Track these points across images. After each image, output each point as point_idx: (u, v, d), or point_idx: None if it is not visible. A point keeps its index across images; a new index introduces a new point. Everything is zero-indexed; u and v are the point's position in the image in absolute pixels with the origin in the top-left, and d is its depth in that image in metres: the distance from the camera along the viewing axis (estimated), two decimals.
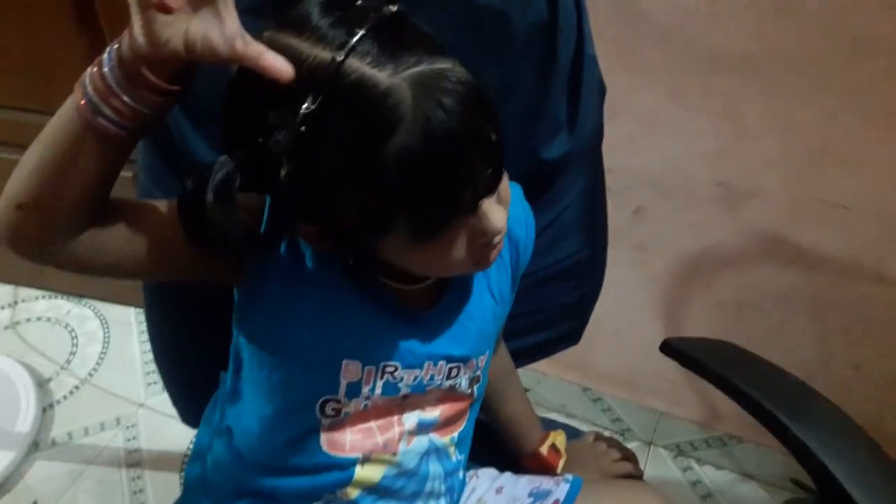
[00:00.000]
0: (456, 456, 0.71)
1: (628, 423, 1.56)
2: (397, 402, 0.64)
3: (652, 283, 1.33)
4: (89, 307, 1.79)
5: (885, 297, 1.14)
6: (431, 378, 0.64)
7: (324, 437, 0.63)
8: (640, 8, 1.02)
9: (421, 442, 0.67)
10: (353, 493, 0.65)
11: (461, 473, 0.73)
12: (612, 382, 1.53)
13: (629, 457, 0.89)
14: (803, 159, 1.06)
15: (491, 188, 0.52)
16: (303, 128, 0.46)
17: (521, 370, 1.58)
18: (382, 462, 0.65)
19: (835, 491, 0.67)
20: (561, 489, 0.74)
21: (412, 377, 0.63)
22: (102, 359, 1.67)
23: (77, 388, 1.61)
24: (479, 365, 0.69)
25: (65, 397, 1.59)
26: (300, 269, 0.59)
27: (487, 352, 0.69)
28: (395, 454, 0.65)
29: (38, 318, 1.76)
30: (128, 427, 1.53)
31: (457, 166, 0.48)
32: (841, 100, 0.98)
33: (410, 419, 0.66)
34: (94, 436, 1.52)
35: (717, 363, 0.77)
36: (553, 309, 0.88)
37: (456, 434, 0.70)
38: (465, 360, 0.66)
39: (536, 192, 0.78)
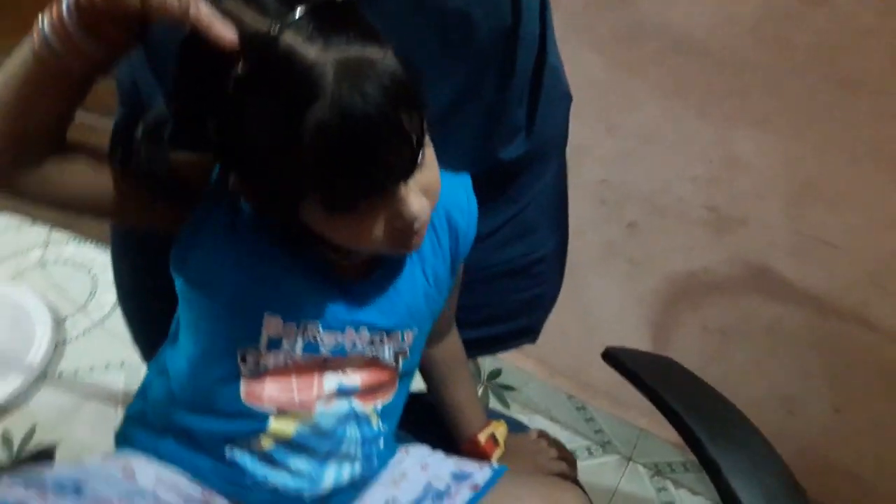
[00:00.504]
0: (379, 426, 0.74)
1: (609, 435, 1.56)
2: (318, 363, 0.68)
3: (642, 299, 1.33)
4: None
5: (867, 342, 1.13)
6: (354, 344, 0.67)
7: (244, 386, 0.66)
8: (643, 27, 1.03)
9: (341, 406, 0.70)
10: (267, 443, 0.68)
11: (381, 442, 0.75)
12: (597, 393, 1.54)
13: (567, 458, 0.90)
14: (791, 192, 1.06)
15: (405, 174, 0.54)
16: (232, 89, 0.50)
17: (508, 369, 1.61)
18: (297, 418, 0.68)
19: None
20: (483, 473, 0.76)
21: (333, 340, 0.66)
22: (118, 305, 1.75)
23: (90, 329, 1.71)
24: (406, 340, 0.71)
25: (77, 336, 1.69)
26: (237, 223, 0.63)
27: (415, 329, 0.71)
28: (310, 413, 0.68)
29: (66, 261, 1.87)
30: (131, 371, 1.61)
31: (368, 149, 0.50)
32: (830, 136, 0.98)
33: (330, 382, 0.69)
34: (97, 375, 1.61)
35: (652, 377, 0.78)
36: (507, 304, 0.90)
37: (380, 404, 0.73)
38: (388, 332, 0.69)
39: (496, 190, 0.81)
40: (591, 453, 1.57)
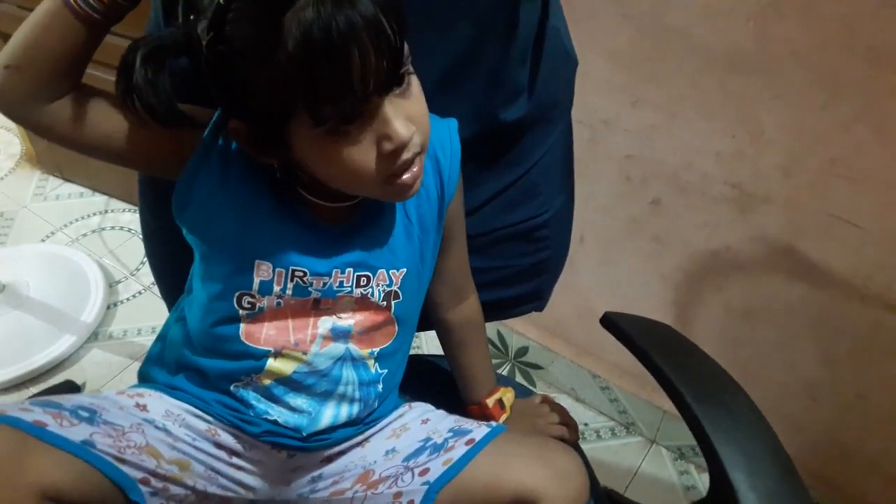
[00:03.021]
0: (376, 368, 0.77)
1: (634, 416, 1.57)
2: (311, 305, 0.71)
3: (666, 277, 1.33)
4: None
5: (892, 326, 1.10)
6: (341, 284, 0.71)
7: (243, 328, 0.71)
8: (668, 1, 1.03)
9: (337, 348, 0.73)
10: (266, 380, 0.72)
11: (380, 386, 0.78)
12: (622, 374, 1.54)
13: (568, 423, 0.91)
14: (816, 170, 1.04)
15: (386, 84, 0.57)
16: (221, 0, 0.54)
17: (535, 348, 1.62)
18: (294, 358, 0.72)
19: (724, 486, 0.68)
20: (480, 430, 0.78)
21: (321, 282, 0.70)
22: None
23: (140, 293, 1.80)
24: (393, 279, 0.74)
25: (128, 299, 1.78)
26: (229, 173, 0.67)
27: (404, 268, 0.74)
28: (305, 353, 0.72)
29: (122, 228, 1.98)
30: None
31: (348, 48, 0.53)
32: (856, 112, 0.96)
33: (325, 324, 0.72)
34: (145, 336, 1.70)
35: (646, 340, 0.79)
36: (512, 268, 0.92)
37: (377, 349, 0.76)
38: (372, 270, 0.72)
39: (498, 153, 0.83)
40: (614, 434, 1.57)
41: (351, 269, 0.72)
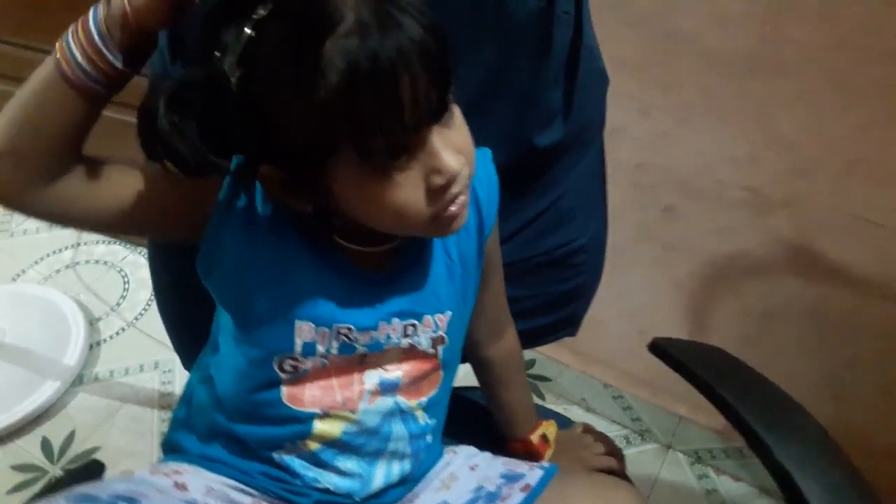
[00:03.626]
0: (425, 419, 0.73)
1: (648, 423, 1.54)
2: (356, 361, 0.66)
3: (679, 284, 1.31)
4: (144, 256, 1.88)
5: None
6: (388, 337, 0.66)
7: (285, 391, 0.66)
8: (673, 4, 1.00)
9: (385, 402, 0.69)
10: (314, 445, 0.68)
11: (429, 437, 0.74)
12: (634, 381, 1.52)
13: (614, 453, 0.88)
14: (835, 171, 1.02)
15: (438, 112, 0.52)
16: (251, 31, 0.49)
17: (542, 360, 1.59)
18: (341, 418, 0.67)
19: None
20: (534, 474, 0.74)
21: (368, 337, 0.65)
22: (150, 305, 1.76)
23: (123, 329, 1.72)
24: (440, 325, 0.69)
25: (111, 337, 1.70)
26: (256, 229, 0.61)
27: (449, 311, 0.69)
28: (354, 412, 0.67)
29: (97, 261, 1.88)
30: (164, 371, 1.62)
31: (398, 76, 0.48)
32: (875, 113, 0.95)
33: (371, 378, 0.67)
34: (133, 376, 1.62)
35: (702, 368, 0.76)
36: (548, 296, 0.88)
37: (425, 399, 0.72)
38: (418, 317, 0.67)
39: (530, 178, 0.79)
40: (629, 442, 1.55)
41: (397, 319, 0.67)
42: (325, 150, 0.51)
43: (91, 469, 0.73)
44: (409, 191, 0.53)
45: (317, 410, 0.67)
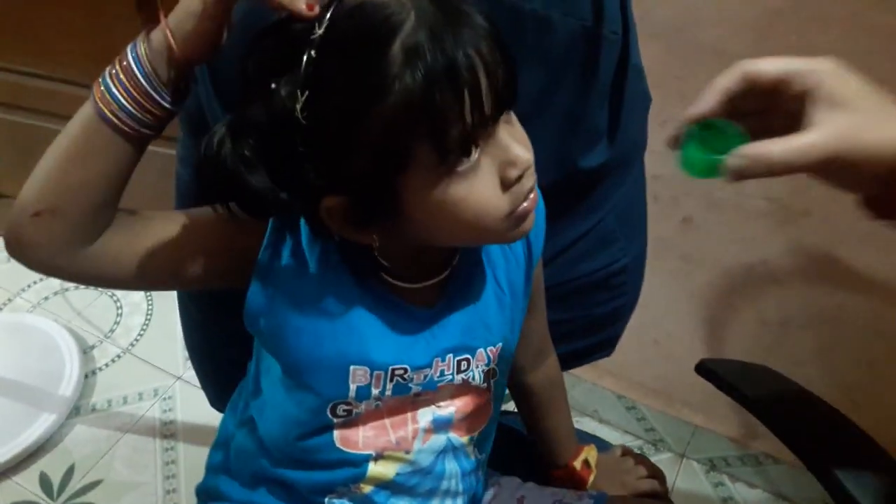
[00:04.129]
0: (475, 455, 0.71)
1: (662, 433, 1.53)
2: (409, 400, 0.64)
3: (695, 295, 1.30)
4: None
5: None
6: (441, 373, 0.63)
7: (337, 434, 0.63)
8: (695, 16, 0.99)
9: (438, 440, 0.67)
10: (367, 488, 0.65)
11: (480, 473, 0.72)
12: (648, 392, 1.51)
13: (656, 475, 0.87)
14: None
15: (509, 100, 0.50)
16: (312, 53, 0.46)
17: None
18: (396, 459, 0.65)
19: None
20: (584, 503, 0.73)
21: (422, 376, 0.62)
22: (145, 330, 1.71)
23: (119, 356, 1.66)
24: (492, 357, 0.67)
25: (107, 365, 1.64)
26: (303, 276, 0.58)
27: (499, 343, 0.67)
28: (408, 452, 0.65)
29: (87, 287, 1.81)
30: (165, 399, 1.57)
31: (474, 66, 0.46)
32: None
33: (425, 416, 0.65)
34: (132, 405, 1.56)
35: (750, 388, 0.75)
36: (588, 318, 0.86)
37: (476, 433, 0.70)
38: (471, 352, 0.65)
39: (573, 200, 0.77)
40: (643, 452, 1.53)
41: (451, 356, 0.64)
42: (400, 159, 0.48)
43: None
44: (485, 187, 0.51)
45: (371, 452, 0.64)
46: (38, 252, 0.51)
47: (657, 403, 1.50)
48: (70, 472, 1.43)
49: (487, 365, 0.67)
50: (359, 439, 0.64)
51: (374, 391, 0.61)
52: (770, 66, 0.47)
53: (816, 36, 0.94)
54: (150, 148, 0.53)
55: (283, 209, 0.51)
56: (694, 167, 0.49)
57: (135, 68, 0.49)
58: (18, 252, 0.51)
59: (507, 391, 0.77)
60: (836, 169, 0.45)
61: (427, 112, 0.46)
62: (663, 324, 1.36)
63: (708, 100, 0.49)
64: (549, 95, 0.71)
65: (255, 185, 0.48)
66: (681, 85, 1.07)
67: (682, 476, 1.50)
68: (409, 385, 0.62)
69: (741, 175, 0.46)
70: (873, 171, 0.44)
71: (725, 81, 0.48)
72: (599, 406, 1.56)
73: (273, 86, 0.48)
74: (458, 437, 0.68)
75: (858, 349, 1.20)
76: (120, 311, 1.75)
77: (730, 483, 1.48)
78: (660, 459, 1.52)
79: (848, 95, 0.45)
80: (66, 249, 0.51)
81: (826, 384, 1.26)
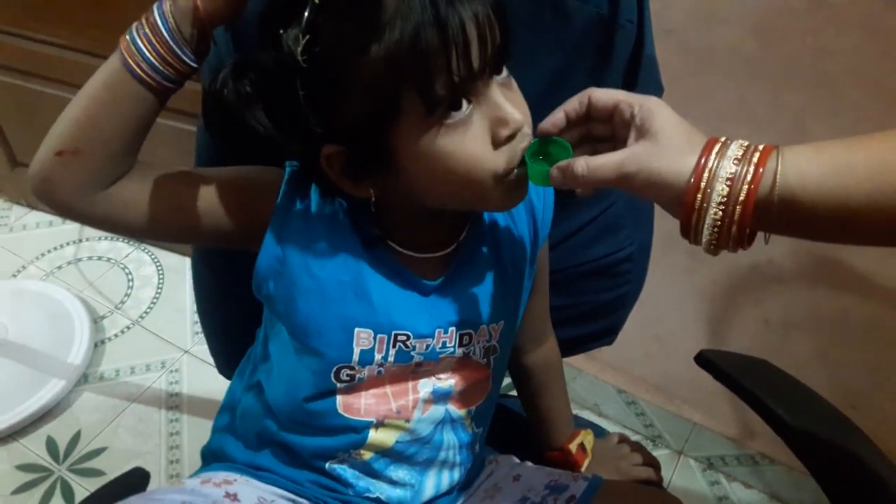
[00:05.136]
0: (473, 428, 0.72)
1: (660, 429, 1.54)
2: (411, 369, 0.66)
3: (699, 292, 1.30)
4: (147, 252, 1.85)
5: None
6: (444, 345, 0.65)
7: (340, 400, 0.65)
8: (715, 15, 1.00)
9: (437, 411, 0.68)
10: (367, 454, 0.67)
11: (477, 447, 0.74)
12: (648, 387, 1.52)
13: (652, 463, 0.88)
14: None
15: (500, 58, 0.52)
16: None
17: None
18: (396, 427, 0.67)
19: None
20: (578, 485, 0.74)
21: (424, 345, 0.64)
22: (155, 303, 1.73)
23: (128, 328, 1.68)
24: (493, 334, 0.68)
25: (116, 335, 1.66)
26: (313, 241, 0.60)
27: (502, 321, 0.69)
28: (408, 421, 0.67)
29: (100, 258, 1.84)
30: (171, 371, 1.59)
31: (462, 17, 0.48)
32: None
33: (425, 387, 0.67)
34: (139, 375, 1.59)
35: (750, 381, 0.76)
36: (590, 305, 0.88)
37: (474, 407, 0.71)
38: (475, 327, 0.66)
39: None
40: None
41: (454, 329, 0.66)
42: (390, 107, 0.50)
43: (135, 477, 0.70)
44: (475, 144, 0.52)
45: (372, 420, 0.66)
46: (59, 189, 0.53)
47: (657, 399, 1.51)
48: (76, 437, 1.45)
49: (489, 341, 0.69)
50: (360, 406, 0.65)
51: (377, 356, 0.63)
52: (604, 95, 0.54)
53: (832, 38, 0.94)
54: (175, 124, 0.55)
55: (282, 149, 0.54)
56: (533, 177, 0.55)
57: (160, 24, 0.51)
58: (41, 189, 0.54)
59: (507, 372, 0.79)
60: (636, 188, 0.50)
61: (413, 58, 0.48)
62: (666, 320, 1.37)
63: (554, 118, 0.55)
64: (564, 80, 0.72)
65: (252, 122, 0.51)
66: (695, 81, 1.08)
67: (679, 473, 1.51)
68: (411, 353, 0.64)
69: (560, 184, 0.53)
70: (660, 196, 0.50)
71: (570, 104, 0.55)
72: (600, 400, 1.58)
73: (281, 32, 0.50)
74: (457, 410, 0.70)
75: (861, 353, 1.20)
76: (131, 284, 1.78)
77: (726, 482, 1.49)
78: (657, 455, 1.51)
79: (655, 128, 0.50)
80: (84, 191, 0.54)
81: (826, 387, 1.26)
